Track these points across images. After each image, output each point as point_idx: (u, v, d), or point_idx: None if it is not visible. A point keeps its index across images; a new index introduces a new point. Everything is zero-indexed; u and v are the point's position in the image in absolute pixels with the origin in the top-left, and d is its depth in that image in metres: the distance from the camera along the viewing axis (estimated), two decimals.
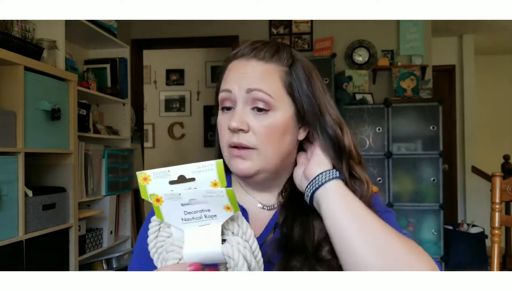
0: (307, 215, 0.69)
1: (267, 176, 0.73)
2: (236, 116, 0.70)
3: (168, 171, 0.55)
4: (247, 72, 0.71)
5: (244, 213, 0.73)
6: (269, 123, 0.70)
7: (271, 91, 0.70)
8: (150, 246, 0.60)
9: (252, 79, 0.70)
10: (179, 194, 0.52)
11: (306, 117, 0.73)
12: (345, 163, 0.72)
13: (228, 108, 0.73)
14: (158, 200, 0.53)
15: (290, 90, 0.72)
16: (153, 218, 0.59)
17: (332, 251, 0.64)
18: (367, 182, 0.75)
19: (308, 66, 0.76)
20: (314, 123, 0.73)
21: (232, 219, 0.56)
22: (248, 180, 0.75)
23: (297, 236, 0.67)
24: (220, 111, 0.75)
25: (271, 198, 0.77)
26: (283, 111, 0.71)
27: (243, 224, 0.57)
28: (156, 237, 0.59)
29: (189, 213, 0.54)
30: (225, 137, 0.72)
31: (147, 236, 0.61)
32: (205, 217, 0.54)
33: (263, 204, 0.77)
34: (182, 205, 0.53)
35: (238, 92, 0.70)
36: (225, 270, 0.56)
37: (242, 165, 0.70)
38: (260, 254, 0.57)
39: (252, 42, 0.76)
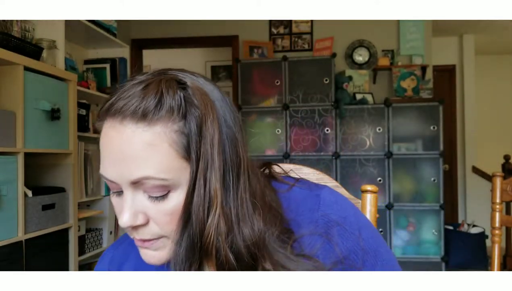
0: None
1: None
2: (125, 212, 0.52)
3: None
4: (123, 151, 0.50)
5: (151, 267, 0.61)
6: (172, 207, 0.52)
7: (164, 173, 0.51)
8: None
9: (132, 164, 0.50)
10: None
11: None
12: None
13: (118, 192, 0.55)
14: None
15: (187, 154, 0.52)
16: None
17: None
18: None
19: (206, 102, 0.53)
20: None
21: None
22: None
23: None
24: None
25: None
26: (185, 183, 0.53)
27: None
28: None
29: None
30: (118, 220, 0.55)
31: None
32: None
33: None
34: None
35: (120, 181, 0.52)
36: None
37: (153, 258, 0.56)
38: None
39: (130, 77, 0.55)
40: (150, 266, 0.62)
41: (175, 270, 0.53)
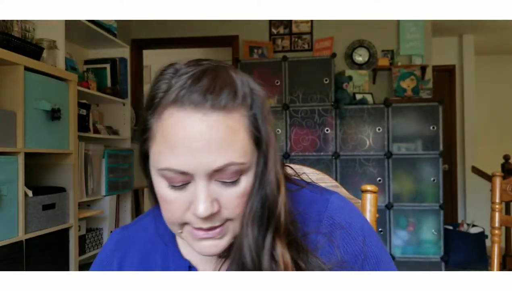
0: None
1: None
2: (204, 202, 0.51)
3: None
4: (205, 139, 0.50)
5: (193, 270, 0.63)
6: (243, 190, 0.54)
7: (242, 158, 0.52)
8: None
9: (219, 152, 0.50)
10: None
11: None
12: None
13: (180, 185, 0.53)
14: None
15: (257, 139, 0.55)
16: None
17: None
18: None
19: (261, 93, 0.57)
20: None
21: None
22: None
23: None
24: (163, 182, 0.54)
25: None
26: (254, 167, 0.55)
27: None
28: None
29: None
30: (177, 215, 0.54)
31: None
32: None
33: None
34: None
35: (197, 172, 0.51)
36: None
37: (214, 248, 0.55)
38: None
39: (189, 69, 0.54)
40: (156, 257, 0.65)
41: (245, 253, 0.54)
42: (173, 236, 0.64)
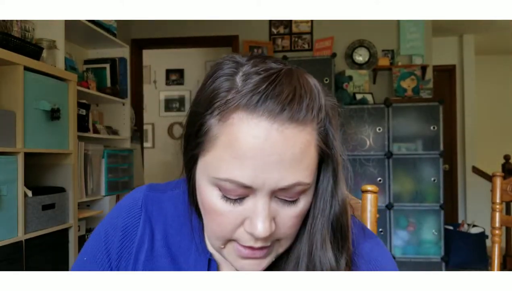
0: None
1: None
2: (264, 221, 0.47)
3: None
4: (281, 153, 0.45)
5: (213, 265, 0.58)
6: (299, 212, 0.50)
7: (309, 178, 0.48)
8: None
9: (289, 170, 0.46)
10: None
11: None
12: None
13: (236, 199, 0.48)
14: None
15: (323, 156, 0.50)
16: None
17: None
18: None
19: (334, 105, 0.51)
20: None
21: None
22: None
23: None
24: (215, 192, 0.49)
25: None
26: (313, 187, 0.51)
27: None
28: None
29: None
30: (226, 229, 0.49)
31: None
32: None
33: None
34: None
35: (262, 187, 0.46)
36: None
37: (258, 267, 0.51)
38: None
39: (258, 68, 0.47)
40: (180, 238, 0.60)
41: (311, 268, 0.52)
42: (197, 224, 0.59)
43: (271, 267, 0.54)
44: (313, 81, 0.49)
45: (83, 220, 2.34)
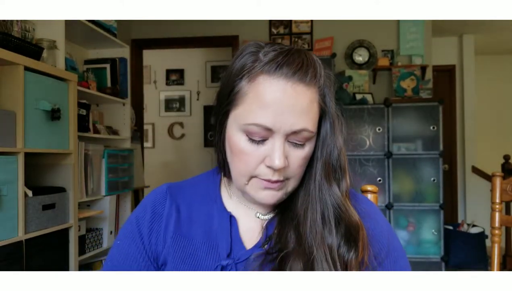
0: (298, 220, 0.67)
1: None
2: (280, 157, 0.62)
3: None
4: (294, 104, 0.61)
5: (233, 220, 0.71)
6: (305, 155, 0.65)
7: (313, 127, 0.64)
8: None
9: (300, 117, 0.61)
10: None
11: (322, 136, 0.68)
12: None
13: (259, 140, 0.63)
14: None
15: (322, 114, 0.67)
16: None
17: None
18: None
19: (331, 77, 0.69)
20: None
21: None
22: None
23: (291, 246, 0.64)
24: (243, 137, 0.64)
25: (267, 206, 0.72)
26: (315, 137, 0.67)
27: None
28: None
29: None
30: (251, 166, 0.64)
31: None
32: None
33: (258, 212, 0.73)
34: None
35: (279, 130, 0.61)
36: None
37: (273, 198, 0.66)
38: None
39: (275, 47, 0.65)
40: (202, 208, 0.73)
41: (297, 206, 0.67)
42: (218, 194, 0.74)
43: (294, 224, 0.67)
44: (315, 57, 0.66)
45: (83, 220, 2.34)
